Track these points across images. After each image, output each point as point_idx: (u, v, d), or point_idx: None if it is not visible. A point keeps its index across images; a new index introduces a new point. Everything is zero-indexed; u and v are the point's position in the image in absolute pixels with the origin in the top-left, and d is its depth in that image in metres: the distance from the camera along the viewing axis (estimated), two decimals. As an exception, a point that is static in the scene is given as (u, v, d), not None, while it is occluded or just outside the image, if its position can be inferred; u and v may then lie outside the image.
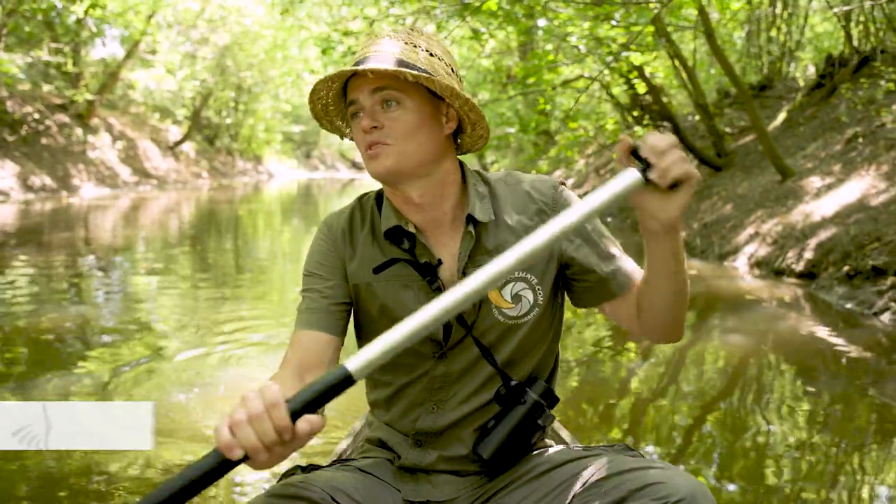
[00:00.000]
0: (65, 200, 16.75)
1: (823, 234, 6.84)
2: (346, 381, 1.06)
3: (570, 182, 15.22)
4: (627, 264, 1.51)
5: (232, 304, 6.30)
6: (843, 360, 4.47)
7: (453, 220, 1.51)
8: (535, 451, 1.51)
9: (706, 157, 12.20)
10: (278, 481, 1.44)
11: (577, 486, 1.35)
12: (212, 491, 2.61)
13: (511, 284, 1.49)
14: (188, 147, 29.01)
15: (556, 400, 1.51)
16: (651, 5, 8.36)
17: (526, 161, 16.16)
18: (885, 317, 5.09)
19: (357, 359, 1.06)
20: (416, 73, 1.38)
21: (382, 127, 1.42)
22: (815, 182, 8.58)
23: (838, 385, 4.04)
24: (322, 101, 1.51)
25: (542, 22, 12.36)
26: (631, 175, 1.19)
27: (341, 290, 1.54)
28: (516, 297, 1.49)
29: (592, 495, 1.30)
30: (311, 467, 1.50)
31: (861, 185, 7.60)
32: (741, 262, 7.77)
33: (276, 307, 6.44)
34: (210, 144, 32.13)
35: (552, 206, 1.52)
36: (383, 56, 1.43)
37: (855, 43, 11.69)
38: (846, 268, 5.94)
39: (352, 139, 1.57)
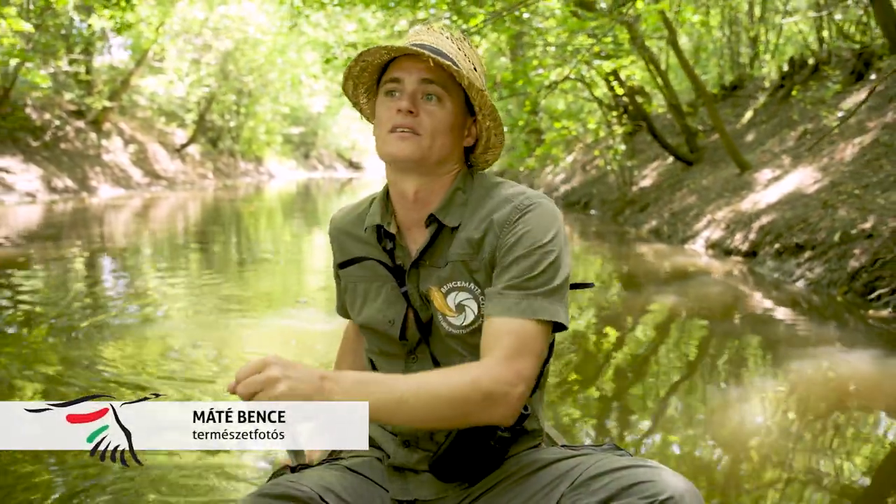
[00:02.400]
0: (86, 201, 17.90)
1: (765, 219, 7.99)
2: None
3: (559, 178, 16.33)
4: (511, 299, 1.39)
5: (244, 286, 7.43)
6: (786, 323, 5.61)
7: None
8: (523, 451, 1.51)
9: (679, 153, 13.35)
10: (268, 480, 1.47)
11: (566, 486, 1.34)
12: (202, 489, 2.67)
13: (454, 293, 1.48)
14: (193, 149, 30.15)
15: (524, 416, 1.44)
16: (616, 14, 9.50)
17: (515, 158, 17.28)
18: (800, 283, 6.24)
19: None
20: (472, 80, 1.45)
21: (417, 115, 1.44)
22: (766, 174, 9.74)
23: (796, 358, 5.17)
24: (364, 66, 1.51)
25: (537, 23, 13.47)
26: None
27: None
28: (460, 307, 1.48)
29: (581, 494, 1.30)
30: (301, 466, 1.50)
31: (801, 176, 8.75)
32: (699, 245, 8.93)
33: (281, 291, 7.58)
34: (213, 146, 33.25)
35: (503, 224, 1.45)
36: (435, 50, 1.46)
37: (815, 48, 12.87)
38: (777, 246, 7.09)
39: (360, 110, 1.63)
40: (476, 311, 1.47)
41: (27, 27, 11.87)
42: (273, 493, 1.35)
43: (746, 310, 5.86)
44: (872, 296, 5.27)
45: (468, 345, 1.48)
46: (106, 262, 9.03)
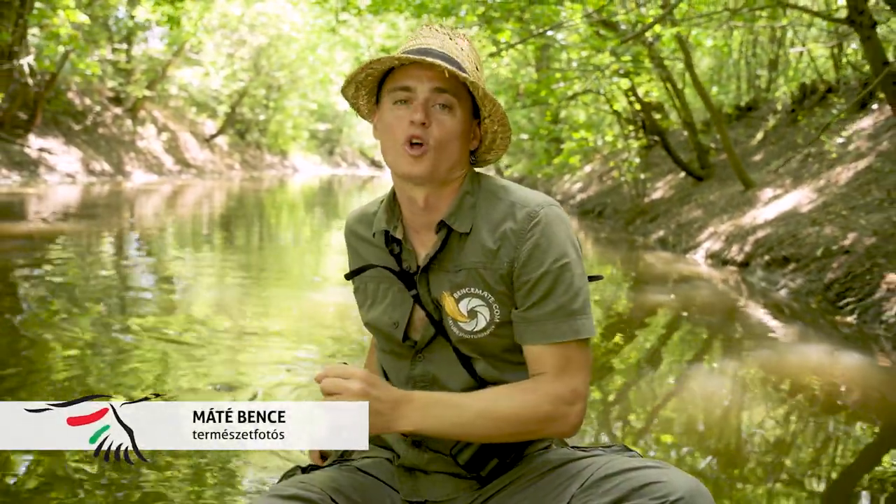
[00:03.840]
0: (122, 184, 18.75)
1: (761, 233, 8.61)
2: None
3: (576, 187, 17.04)
4: (552, 323, 1.44)
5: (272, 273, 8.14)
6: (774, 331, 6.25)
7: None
8: (534, 452, 1.51)
9: (691, 169, 13.96)
10: (278, 481, 1.49)
11: (576, 487, 1.35)
12: (212, 491, 2.70)
13: (467, 299, 1.49)
14: (222, 140, 31.05)
15: None
16: (635, 35, 10.17)
17: (535, 165, 17.95)
18: (783, 292, 6.87)
19: None
20: (486, 91, 1.45)
21: (429, 126, 1.43)
22: (768, 193, 10.35)
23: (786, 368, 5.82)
24: (371, 73, 1.50)
25: (559, 36, 14.17)
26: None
27: None
28: (472, 313, 1.49)
29: (591, 495, 1.31)
30: (311, 467, 1.52)
31: (799, 196, 9.37)
32: (700, 255, 9.56)
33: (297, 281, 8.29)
34: (241, 138, 34.16)
35: (518, 235, 1.47)
36: (444, 56, 1.46)
37: (831, 75, 13.44)
38: (767, 257, 7.73)
39: (358, 110, 1.62)
40: (488, 318, 1.49)
41: (83, 18, 12.67)
42: (284, 493, 1.36)
43: (730, 313, 6.51)
44: (841, 304, 5.91)
45: (479, 348, 1.51)
46: (149, 240, 9.80)
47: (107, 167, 19.91)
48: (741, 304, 6.84)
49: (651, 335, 5.78)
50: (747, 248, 8.53)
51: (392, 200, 1.58)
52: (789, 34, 16.20)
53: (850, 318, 5.65)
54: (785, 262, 7.35)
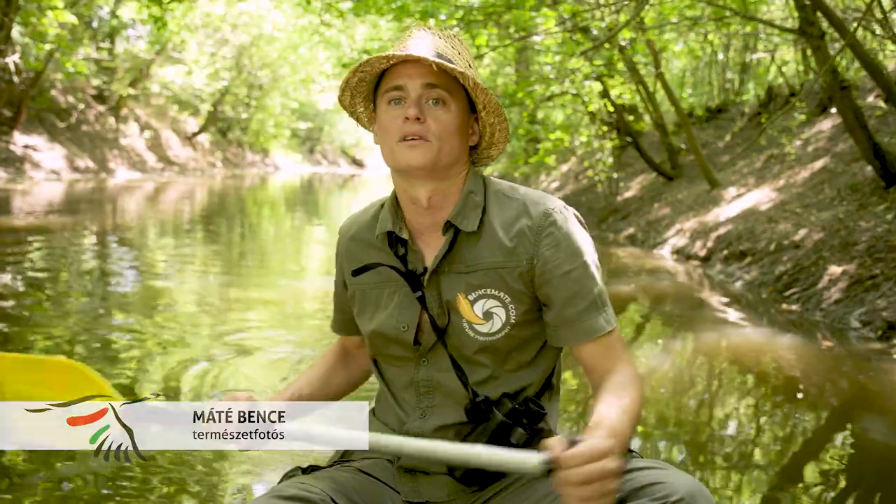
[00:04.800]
0: (107, 181, 19.01)
1: (722, 230, 9.11)
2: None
3: (553, 186, 17.53)
4: (591, 320, 1.47)
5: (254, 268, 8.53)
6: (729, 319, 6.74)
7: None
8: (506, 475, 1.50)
9: (662, 169, 14.48)
10: (279, 482, 1.48)
11: None
12: (213, 490, 2.73)
13: (483, 301, 1.49)
14: (203, 138, 31.28)
15: (541, 415, 1.48)
16: (607, 41, 10.64)
17: (512, 164, 18.43)
18: (738, 284, 7.37)
19: (375, 436, 1.27)
20: (476, 80, 1.44)
21: (425, 121, 1.43)
22: (732, 192, 10.87)
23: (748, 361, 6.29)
24: (362, 76, 1.50)
25: (537, 38, 14.60)
26: (533, 462, 1.17)
27: (344, 299, 1.68)
28: (487, 314, 1.49)
29: None
30: (312, 468, 1.52)
31: (759, 195, 9.89)
32: (666, 251, 10.05)
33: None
34: (223, 136, 34.37)
35: (536, 232, 1.48)
36: (435, 53, 1.44)
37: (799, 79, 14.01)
38: (725, 252, 8.23)
39: (357, 119, 1.62)
40: (504, 319, 1.49)
41: (72, 19, 12.96)
42: (285, 494, 1.35)
43: (689, 302, 6.99)
44: (787, 293, 6.40)
45: (490, 351, 1.50)
46: (134, 235, 10.15)
47: (91, 164, 20.17)
48: (699, 295, 7.33)
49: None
50: (709, 244, 9.02)
51: (394, 204, 1.56)
52: (762, 38, 16.80)
53: (794, 307, 6.15)
54: (742, 257, 7.84)
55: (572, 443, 1.16)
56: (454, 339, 1.51)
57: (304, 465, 1.54)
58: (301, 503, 1.34)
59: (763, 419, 3.89)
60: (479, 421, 1.47)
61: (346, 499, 1.42)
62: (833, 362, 4.86)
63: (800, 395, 4.26)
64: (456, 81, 1.47)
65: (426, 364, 1.53)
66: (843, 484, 3.08)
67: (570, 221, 1.50)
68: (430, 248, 1.53)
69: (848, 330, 5.36)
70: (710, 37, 16.08)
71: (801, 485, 3.09)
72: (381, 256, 1.56)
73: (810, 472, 3.24)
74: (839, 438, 3.67)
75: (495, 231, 1.50)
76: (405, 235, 1.53)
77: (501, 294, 1.49)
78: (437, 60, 1.40)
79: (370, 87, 1.54)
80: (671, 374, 4.53)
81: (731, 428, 3.73)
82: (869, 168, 7.76)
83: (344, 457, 1.64)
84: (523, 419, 1.45)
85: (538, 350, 1.55)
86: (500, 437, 1.43)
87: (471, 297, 1.49)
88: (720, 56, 17.69)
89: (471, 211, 1.51)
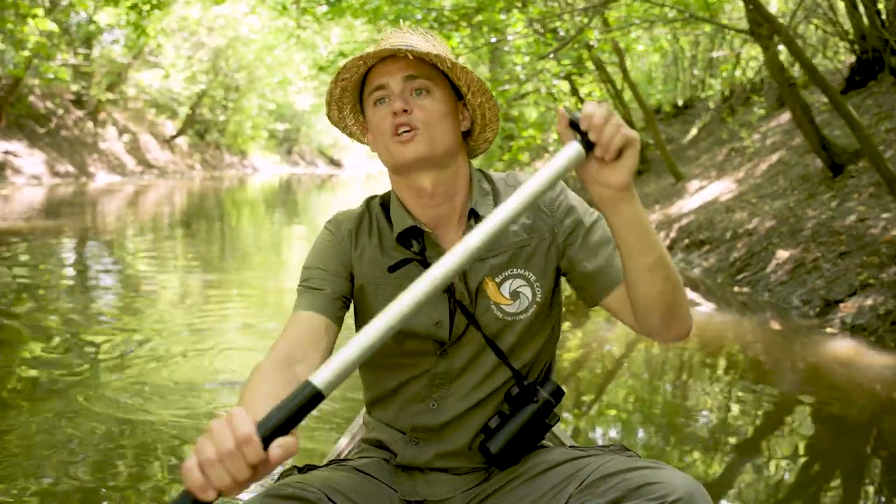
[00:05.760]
0: (87, 185, 19.23)
1: (684, 221, 9.59)
2: (316, 398, 0.97)
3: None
4: (617, 260, 1.47)
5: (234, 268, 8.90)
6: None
7: (461, 216, 1.52)
8: (533, 451, 1.52)
9: (631, 164, 14.98)
10: (275, 481, 1.45)
11: (574, 487, 1.36)
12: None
13: (510, 281, 1.50)
14: (182, 141, 31.46)
15: (563, 394, 1.53)
16: (574, 41, 11.08)
17: (486, 161, 18.87)
18: (697, 270, 7.84)
19: (322, 372, 0.98)
20: (454, 61, 1.44)
21: (412, 112, 1.43)
22: (695, 184, 11.37)
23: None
24: (343, 85, 1.50)
25: (510, 36, 15.04)
26: (573, 149, 1.17)
27: (343, 286, 1.55)
28: (514, 294, 1.50)
29: (589, 495, 1.32)
30: (308, 467, 1.51)
31: (720, 187, 10.38)
32: (633, 242, 10.51)
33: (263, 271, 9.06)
34: (201, 139, 34.54)
35: (550, 204, 1.54)
36: (410, 47, 1.44)
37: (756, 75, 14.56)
38: (686, 241, 8.70)
39: (350, 133, 1.61)
40: (530, 298, 1.51)
41: (52, 26, 13.21)
42: (281, 493, 1.33)
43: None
44: (739, 277, 6.88)
45: (521, 332, 1.51)
46: (116, 237, 10.47)
47: (71, 169, 20.37)
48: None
49: (582, 314, 6.69)
50: (672, 234, 9.50)
51: (400, 204, 1.55)
52: (727, 37, 17.34)
53: (745, 289, 6.62)
54: (701, 245, 8.32)
55: (572, 119, 1.21)
56: (484, 325, 1.51)
57: (300, 465, 1.53)
58: (297, 502, 1.32)
59: (709, 389, 4.34)
60: (521, 404, 1.49)
61: (343, 497, 1.41)
62: (776, 338, 5.33)
63: (746, 368, 4.73)
64: (437, 70, 1.48)
65: (446, 356, 1.52)
66: (791, 444, 3.50)
67: (568, 189, 1.58)
68: (448, 241, 1.52)
69: (790, 309, 5.83)
70: (679, 35, 16.62)
71: (741, 442, 3.47)
72: (397, 255, 1.54)
73: (755, 432, 3.61)
74: (782, 407, 4.05)
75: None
76: (426, 229, 1.51)
77: (527, 272, 1.51)
78: (412, 48, 1.42)
79: (354, 96, 1.55)
80: (633, 354, 4.98)
81: (687, 401, 4.12)
82: (819, 160, 8.26)
83: (339, 456, 1.65)
84: (555, 399, 1.51)
85: (549, 333, 1.59)
86: (539, 419, 1.49)
87: (498, 280, 1.50)
88: (689, 54, 18.25)
89: (482, 198, 1.54)
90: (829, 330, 5.19)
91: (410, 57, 1.42)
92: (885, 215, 6.24)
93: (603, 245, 1.50)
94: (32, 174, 18.45)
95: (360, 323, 1.59)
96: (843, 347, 4.84)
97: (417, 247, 1.51)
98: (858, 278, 5.52)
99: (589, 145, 1.19)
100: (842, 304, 5.38)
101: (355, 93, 1.53)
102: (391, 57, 1.45)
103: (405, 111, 1.42)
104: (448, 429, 1.52)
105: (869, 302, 5.21)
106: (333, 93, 1.51)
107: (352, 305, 1.59)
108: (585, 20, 9.55)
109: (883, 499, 2.90)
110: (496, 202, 1.53)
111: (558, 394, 1.51)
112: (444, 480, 1.53)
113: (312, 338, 1.44)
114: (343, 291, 1.54)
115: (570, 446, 1.59)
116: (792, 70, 10.84)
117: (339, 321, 1.51)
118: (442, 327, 1.50)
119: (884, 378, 4.31)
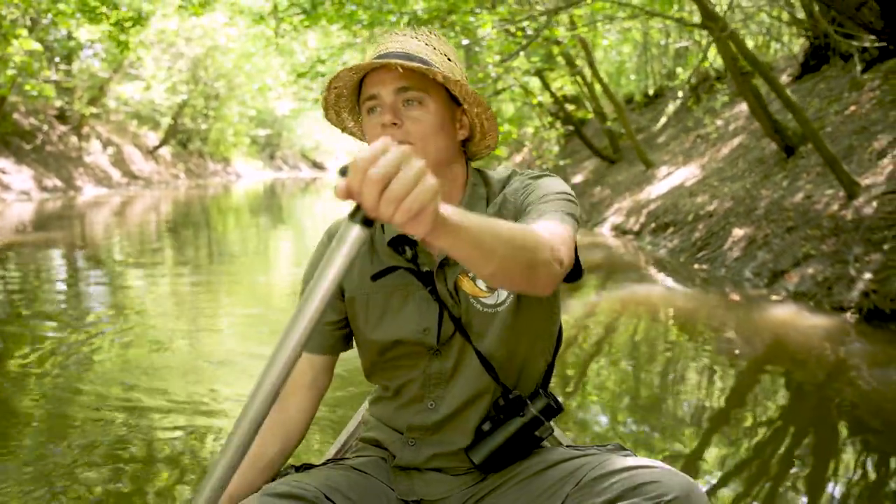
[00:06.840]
0: (75, 198, 19.58)
1: (652, 206, 10.11)
2: None
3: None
4: (549, 207, 1.39)
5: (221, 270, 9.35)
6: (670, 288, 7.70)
7: None
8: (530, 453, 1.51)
9: (604, 154, 15.50)
10: (272, 480, 1.48)
11: (571, 486, 1.36)
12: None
13: None
14: (165, 151, 31.77)
15: (559, 410, 1.50)
16: (542, 37, 11.58)
17: (486, 161, 19.35)
18: (663, 251, 8.36)
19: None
20: (446, 75, 1.40)
21: (402, 125, 1.41)
22: (664, 171, 11.89)
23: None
24: (337, 91, 1.49)
25: (483, 33, 15.54)
26: (352, 232, 0.88)
27: (337, 307, 1.57)
28: (490, 286, 1.48)
29: (586, 495, 1.31)
30: (305, 466, 1.52)
31: (686, 172, 10.91)
32: (606, 228, 11.03)
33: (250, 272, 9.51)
34: (184, 148, 34.84)
35: (521, 188, 1.50)
36: (402, 55, 1.43)
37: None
38: (653, 225, 9.22)
39: (352, 134, 1.60)
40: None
41: (36, 46, 13.57)
42: (278, 492, 1.34)
43: (620, 268, 7.96)
44: (699, 255, 7.40)
45: (505, 326, 1.49)
46: (107, 247, 10.89)
47: (58, 183, 20.71)
48: (629, 262, 8.31)
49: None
50: (641, 220, 10.02)
51: None
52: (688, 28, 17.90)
53: (704, 266, 7.14)
54: (666, 227, 8.85)
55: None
56: (474, 325, 1.49)
57: (298, 464, 1.54)
58: (294, 500, 1.33)
59: (679, 364, 4.84)
60: (508, 416, 1.48)
61: (340, 496, 1.41)
62: (732, 309, 5.85)
63: (708, 339, 5.24)
64: (431, 79, 1.43)
65: (439, 357, 1.51)
66: (758, 410, 3.99)
67: (552, 179, 1.51)
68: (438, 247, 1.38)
69: (743, 281, 6.35)
70: (648, 28, 17.15)
71: (714, 415, 3.82)
72: (385, 261, 1.53)
73: (726, 403, 3.92)
74: (746, 375, 4.45)
75: (491, 211, 1.51)
76: (416, 238, 1.37)
77: None
78: (400, 62, 1.38)
79: (352, 99, 1.53)
80: (602, 326, 5.48)
81: (663, 378, 4.37)
82: (773, 143, 8.79)
83: (336, 455, 1.68)
84: (546, 416, 1.48)
85: (543, 340, 1.56)
86: (527, 433, 1.47)
87: (471, 273, 1.47)
88: (661, 43, 18.80)
89: (477, 202, 1.52)
90: (774, 297, 5.71)
91: (400, 70, 1.39)
92: (828, 191, 6.77)
93: (547, 200, 1.42)
94: (21, 190, 18.79)
95: (353, 332, 1.60)
96: (787, 313, 5.36)
97: (410, 253, 1.49)
98: (802, 250, 6.04)
99: (368, 222, 0.89)
100: (786, 275, 5.91)
101: (352, 96, 1.52)
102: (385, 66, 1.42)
103: (395, 124, 1.40)
104: (444, 428, 1.53)
105: (810, 271, 5.73)
106: (328, 99, 1.52)
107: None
108: (546, 19, 10.04)
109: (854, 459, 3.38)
110: (490, 208, 1.52)
111: (550, 411, 1.48)
112: (441, 480, 1.53)
113: (306, 380, 1.57)
114: (334, 312, 1.57)
115: (567, 446, 1.60)
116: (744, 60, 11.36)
117: (328, 348, 1.59)
118: (429, 334, 1.49)
119: (825, 337, 4.82)
